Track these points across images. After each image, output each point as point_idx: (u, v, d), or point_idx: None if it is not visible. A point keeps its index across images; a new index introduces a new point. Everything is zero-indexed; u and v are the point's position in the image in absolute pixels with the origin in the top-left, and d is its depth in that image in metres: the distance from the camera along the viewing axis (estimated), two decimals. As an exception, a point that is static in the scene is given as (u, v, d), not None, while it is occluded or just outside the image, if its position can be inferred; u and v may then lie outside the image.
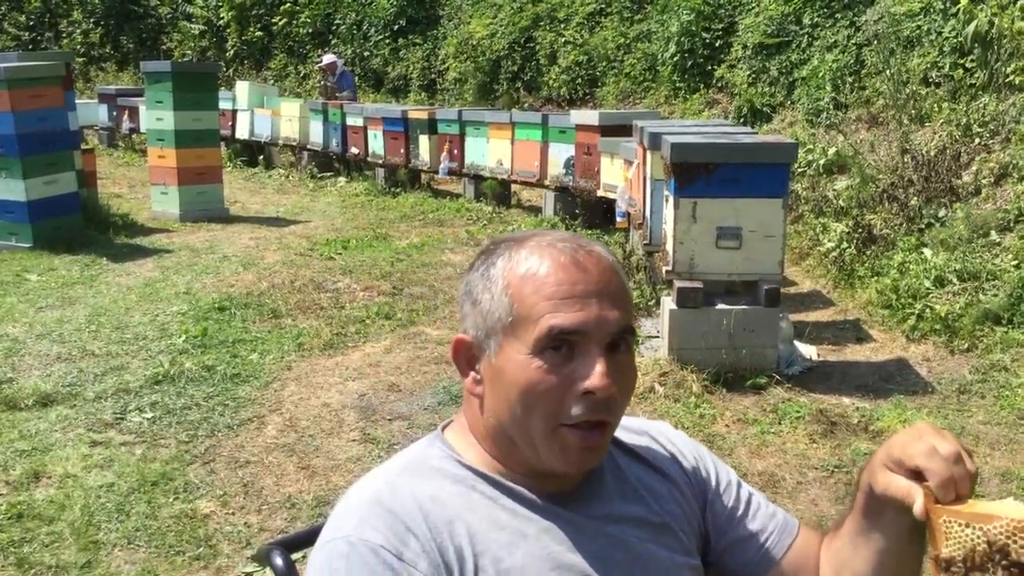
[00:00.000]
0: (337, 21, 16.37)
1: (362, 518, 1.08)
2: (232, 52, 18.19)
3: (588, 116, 8.56)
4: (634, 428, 1.31)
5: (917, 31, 7.96)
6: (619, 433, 1.26)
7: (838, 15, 9.02)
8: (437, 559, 1.05)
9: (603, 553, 1.13)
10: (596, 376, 1.07)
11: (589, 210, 8.51)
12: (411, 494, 1.10)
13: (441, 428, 1.23)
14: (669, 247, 4.93)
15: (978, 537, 0.96)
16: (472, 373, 1.16)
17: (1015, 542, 0.95)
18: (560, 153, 8.80)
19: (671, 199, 4.88)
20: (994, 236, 5.87)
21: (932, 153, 6.92)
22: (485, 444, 1.17)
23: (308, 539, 1.23)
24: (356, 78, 14.39)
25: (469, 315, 1.16)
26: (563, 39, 12.37)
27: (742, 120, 9.15)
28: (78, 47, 19.87)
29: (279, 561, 1.25)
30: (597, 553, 1.13)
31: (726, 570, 1.27)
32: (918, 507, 1.01)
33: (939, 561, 0.98)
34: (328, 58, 13.22)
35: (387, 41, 15.26)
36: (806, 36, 9.23)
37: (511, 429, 1.12)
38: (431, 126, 10.35)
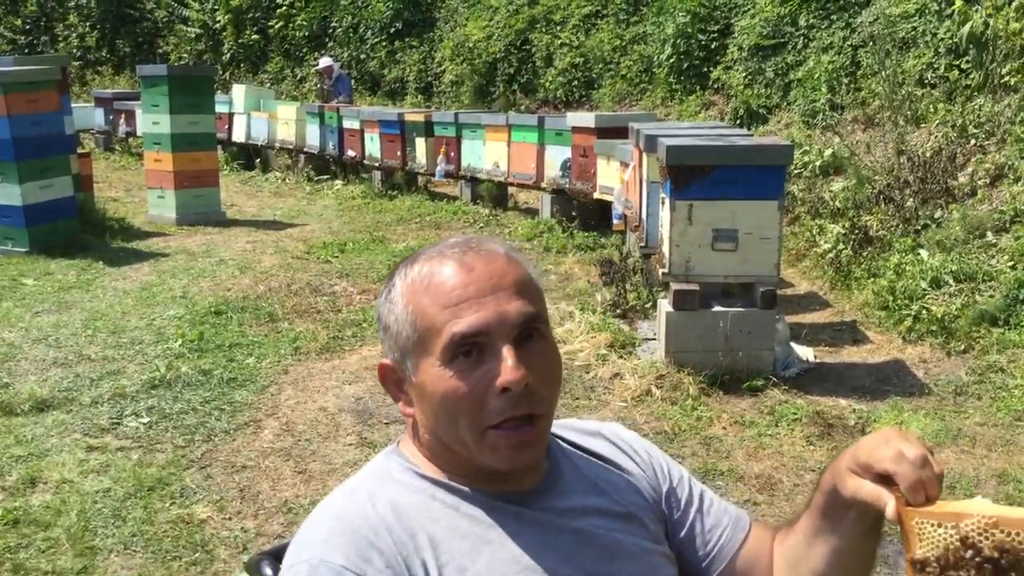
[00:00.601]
0: (333, 24, 16.37)
1: (325, 538, 1.07)
2: (228, 55, 18.18)
3: (584, 118, 8.56)
4: (587, 430, 1.32)
5: (912, 32, 7.97)
6: (573, 436, 1.29)
7: (833, 16, 9.03)
8: (403, 573, 1.06)
9: (570, 549, 1.14)
10: (507, 371, 1.07)
11: (586, 212, 8.51)
12: (373, 509, 1.10)
13: (397, 443, 1.24)
14: (665, 249, 4.93)
15: (950, 536, 0.98)
16: (402, 395, 1.18)
17: (986, 538, 0.97)
18: (556, 155, 8.80)
19: (667, 201, 4.88)
20: (990, 237, 5.88)
21: (928, 154, 6.93)
22: (431, 459, 1.18)
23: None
24: (352, 81, 14.41)
25: (385, 340, 1.18)
26: (559, 41, 12.38)
27: (738, 122, 9.16)
28: (74, 51, 19.86)
29: (268, 572, 1.24)
30: (564, 550, 1.13)
31: (682, 565, 1.28)
32: (890, 510, 1.02)
33: (914, 562, 1.00)
34: (325, 61, 13.27)
35: (383, 44, 15.26)
36: (802, 38, 9.24)
37: (446, 439, 1.13)
38: (428, 129, 10.34)
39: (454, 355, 1.09)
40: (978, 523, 0.97)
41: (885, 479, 1.04)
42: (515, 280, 1.12)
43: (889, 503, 1.02)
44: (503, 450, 1.10)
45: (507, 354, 1.08)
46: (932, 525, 0.99)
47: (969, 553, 0.97)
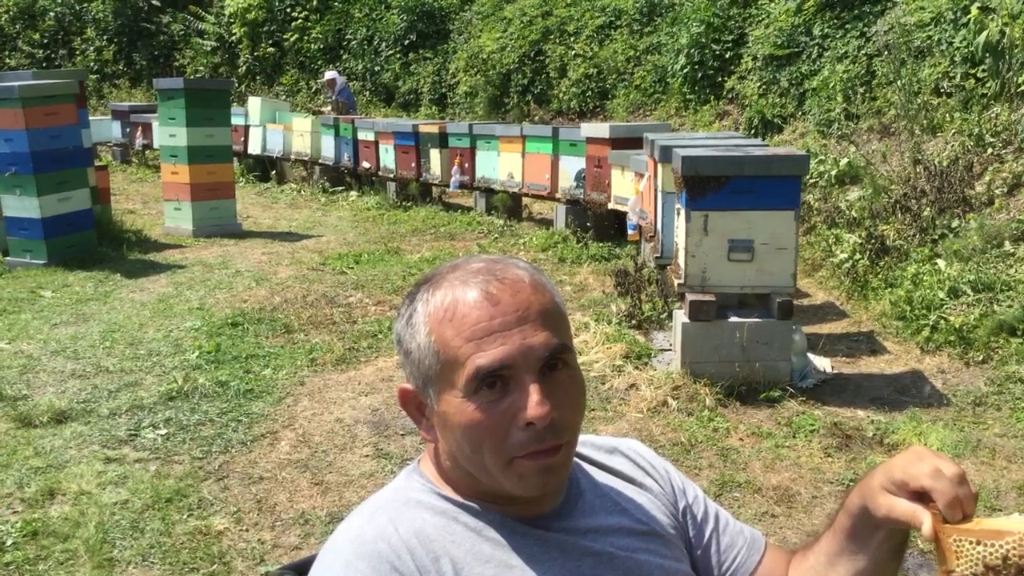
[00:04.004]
0: (348, 36, 16.46)
1: (346, 563, 1.07)
2: (244, 68, 18.32)
3: (599, 129, 8.56)
4: (605, 447, 1.31)
5: (928, 41, 7.95)
6: (591, 453, 1.28)
7: (848, 26, 9.02)
8: None
9: (592, 573, 1.13)
10: (532, 406, 1.06)
11: (600, 223, 8.51)
12: (395, 531, 1.10)
13: (417, 462, 1.23)
14: (681, 260, 4.92)
15: (990, 554, 0.97)
16: (423, 420, 1.17)
17: None
18: (571, 166, 8.80)
19: (683, 212, 4.87)
20: (1008, 246, 5.84)
21: (944, 163, 6.90)
22: (452, 483, 1.17)
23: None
24: (368, 93, 14.55)
25: (405, 365, 1.16)
26: (573, 52, 12.41)
27: (753, 131, 9.15)
28: (91, 64, 20.06)
29: (291, 586, 1.24)
30: (586, 574, 1.13)
31: None
32: (927, 528, 1.01)
33: None
34: (329, 75, 13.75)
35: (398, 56, 15.35)
36: (816, 47, 9.23)
37: (470, 468, 1.13)
38: (442, 140, 10.38)
39: (478, 388, 1.08)
40: (1019, 540, 0.96)
41: (919, 497, 1.03)
42: (541, 310, 1.11)
43: (926, 520, 1.02)
44: (531, 477, 1.09)
45: (532, 389, 1.07)
46: (971, 543, 0.98)
47: (1011, 571, 0.96)
